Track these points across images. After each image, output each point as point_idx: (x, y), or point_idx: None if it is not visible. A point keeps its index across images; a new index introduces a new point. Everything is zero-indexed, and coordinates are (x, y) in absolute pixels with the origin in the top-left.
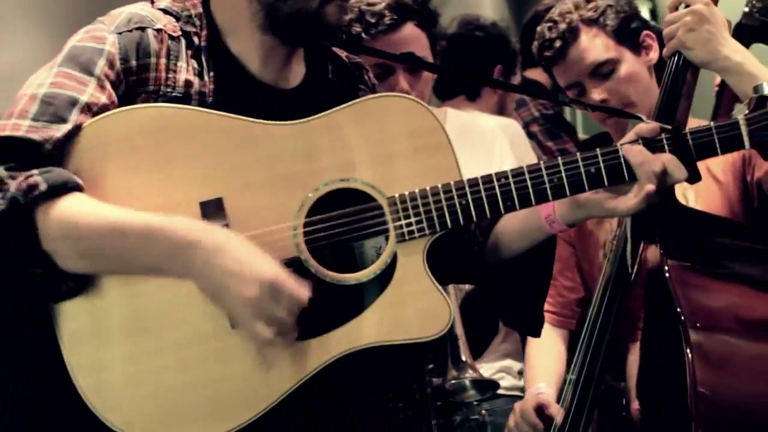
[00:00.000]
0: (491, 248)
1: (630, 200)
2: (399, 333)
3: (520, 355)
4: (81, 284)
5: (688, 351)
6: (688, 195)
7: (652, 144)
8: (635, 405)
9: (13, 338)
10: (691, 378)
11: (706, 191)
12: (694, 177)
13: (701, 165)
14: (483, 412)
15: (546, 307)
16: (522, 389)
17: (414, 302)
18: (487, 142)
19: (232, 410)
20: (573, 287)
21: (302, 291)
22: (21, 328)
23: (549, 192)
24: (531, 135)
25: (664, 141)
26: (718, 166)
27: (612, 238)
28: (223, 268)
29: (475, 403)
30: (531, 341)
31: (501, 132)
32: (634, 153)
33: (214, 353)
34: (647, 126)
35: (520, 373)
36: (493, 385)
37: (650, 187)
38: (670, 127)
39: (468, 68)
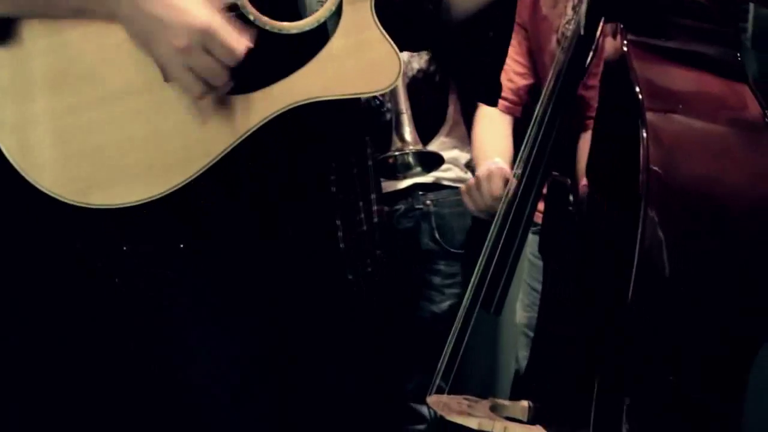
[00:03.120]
0: (447, 8)
1: None
2: (345, 86)
3: (467, 146)
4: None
5: (643, 130)
6: None
7: None
8: (584, 182)
9: None
10: (644, 156)
11: None
12: None
13: None
14: (428, 202)
15: None
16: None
17: (361, 53)
18: None
19: (166, 169)
20: (523, 73)
21: (240, 41)
22: None
23: None
24: None
25: None
26: None
27: (566, 22)
28: (151, 13)
29: (420, 193)
30: (477, 125)
31: None
32: None
33: (147, 108)
34: None
35: (468, 165)
36: (438, 158)
37: None
38: None
39: None
